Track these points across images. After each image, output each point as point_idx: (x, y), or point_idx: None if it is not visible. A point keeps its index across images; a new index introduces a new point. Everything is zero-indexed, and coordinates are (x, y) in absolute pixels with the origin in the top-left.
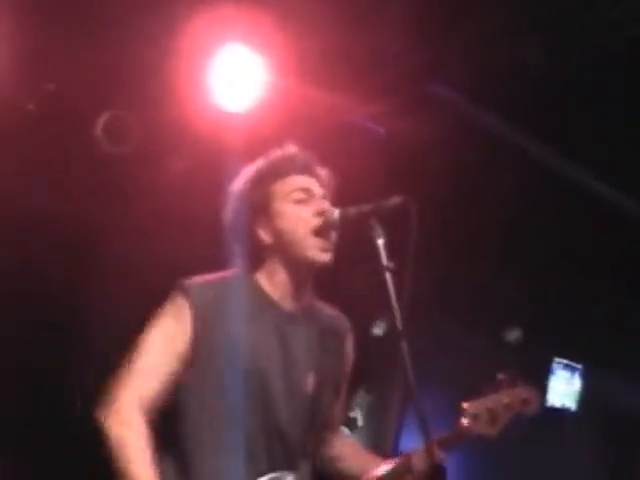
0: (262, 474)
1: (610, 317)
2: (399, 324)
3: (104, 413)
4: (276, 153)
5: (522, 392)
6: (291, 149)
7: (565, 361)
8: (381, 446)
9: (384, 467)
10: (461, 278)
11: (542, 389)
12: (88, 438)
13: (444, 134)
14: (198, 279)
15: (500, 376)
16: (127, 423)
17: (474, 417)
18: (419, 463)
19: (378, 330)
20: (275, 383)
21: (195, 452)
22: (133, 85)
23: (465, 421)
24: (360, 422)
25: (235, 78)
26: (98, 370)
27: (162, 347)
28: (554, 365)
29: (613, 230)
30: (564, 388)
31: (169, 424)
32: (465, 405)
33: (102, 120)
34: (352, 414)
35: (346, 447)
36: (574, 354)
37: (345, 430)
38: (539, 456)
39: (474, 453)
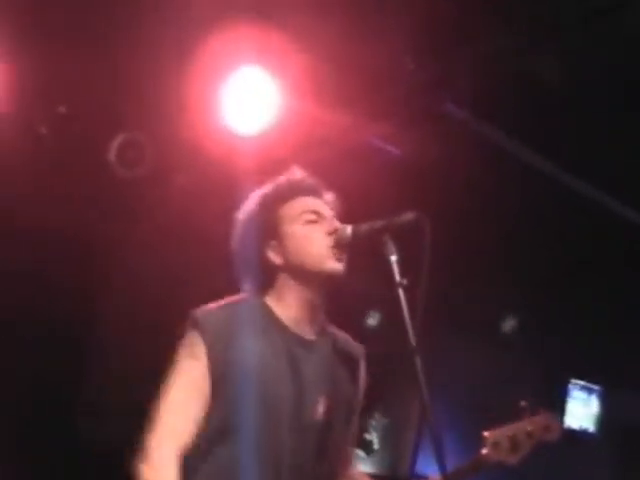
0: None
1: (626, 337)
2: (413, 340)
3: (140, 467)
4: (282, 177)
5: (543, 419)
6: (297, 173)
7: (582, 382)
8: (397, 469)
9: None
10: (471, 296)
11: (560, 411)
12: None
13: (453, 150)
14: (208, 308)
15: (522, 403)
16: (159, 475)
17: (495, 445)
18: None
19: (372, 320)
20: (285, 409)
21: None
22: (146, 108)
23: (485, 450)
24: (376, 445)
25: (248, 100)
26: (103, 383)
27: (186, 392)
28: (570, 387)
29: (626, 244)
30: (582, 410)
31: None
32: (486, 434)
33: (115, 144)
34: (368, 437)
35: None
36: (591, 375)
37: (361, 453)
38: (559, 478)
39: (489, 477)
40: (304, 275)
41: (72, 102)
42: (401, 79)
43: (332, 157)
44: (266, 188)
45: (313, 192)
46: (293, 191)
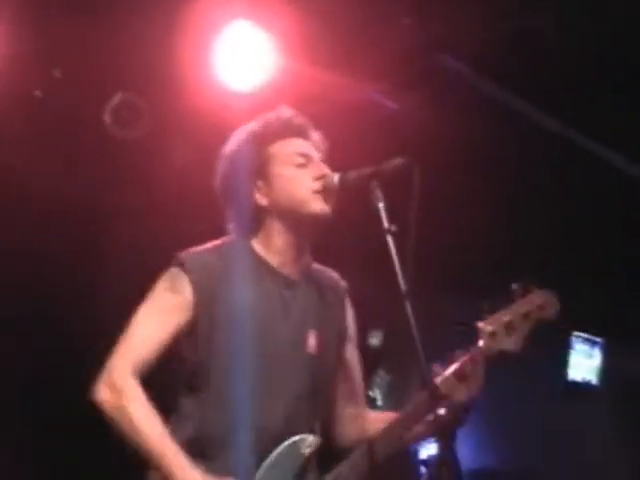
0: (276, 437)
1: (630, 290)
2: (403, 286)
3: (98, 385)
4: (271, 115)
5: (538, 298)
6: (286, 112)
7: (585, 335)
8: None
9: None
10: (471, 251)
11: (562, 364)
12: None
13: (452, 108)
14: (193, 250)
15: (513, 286)
16: (123, 391)
17: (492, 335)
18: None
19: (375, 341)
20: (279, 348)
21: (204, 419)
22: (140, 68)
23: (483, 342)
24: (379, 402)
25: (243, 56)
26: (104, 350)
27: (157, 317)
28: (573, 339)
29: (631, 201)
30: (584, 362)
31: (172, 395)
32: (480, 324)
33: (111, 106)
34: (371, 394)
35: (370, 421)
36: (594, 328)
37: None
38: (560, 430)
39: (491, 427)
40: (290, 217)
41: (66, 65)
42: (399, 36)
43: (328, 114)
44: (254, 125)
45: (302, 133)
46: (282, 130)
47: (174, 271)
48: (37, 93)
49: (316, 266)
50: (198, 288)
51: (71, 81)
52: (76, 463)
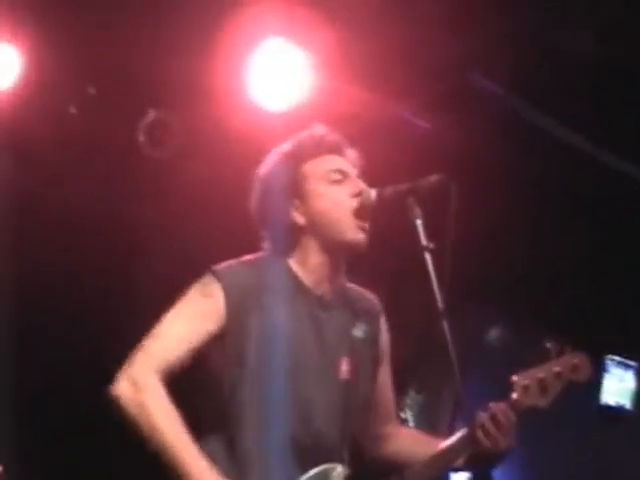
0: (305, 461)
1: None
2: (440, 304)
3: (119, 381)
4: (305, 133)
5: (571, 359)
6: (319, 129)
7: (618, 358)
8: None
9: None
10: (505, 269)
11: (596, 387)
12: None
13: (484, 126)
14: (228, 263)
15: (547, 344)
16: (143, 387)
17: (524, 389)
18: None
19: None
20: (309, 371)
21: (235, 436)
22: (173, 84)
23: (515, 395)
24: (411, 423)
25: (277, 76)
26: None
27: (187, 320)
28: (607, 363)
29: None
30: (618, 386)
31: (206, 410)
32: (514, 378)
33: (144, 124)
34: (402, 415)
35: (405, 435)
36: (628, 351)
37: None
38: (594, 455)
39: (525, 452)
40: (326, 239)
41: (101, 82)
42: (432, 54)
43: (360, 132)
44: (288, 145)
45: (337, 149)
46: (317, 148)
47: (207, 278)
48: (72, 110)
49: (351, 286)
50: (230, 298)
51: (105, 98)
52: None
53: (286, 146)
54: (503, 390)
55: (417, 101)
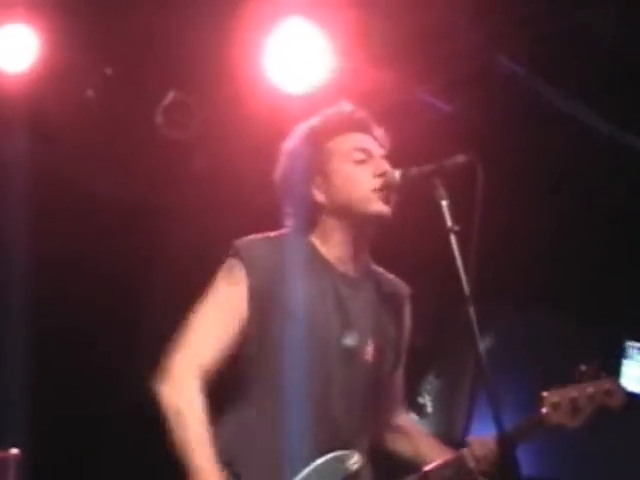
0: (323, 445)
1: None
2: (466, 289)
3: (159, 382)
4: (331, 110)
5: (605, 384)
6: (347, 106)
7: (639, 344)
8: (451, 433)
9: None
10: (527, 256)
11: (615, 374)
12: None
13: (507, 107)
14: (251, 239)
15: (582, 367)
16: (182, 392)
17: (554, 406)
18: (480, 449)
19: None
20: (333, 349)
21: (253, 417)
22: (193, 67)
23: (544, 410)
24: (429, 409)
25: (297, 57)
26: (153, 355)
27: (219, 314)
28: (627, 348)
29: None
30: (638, 372)
31: (225, 387)
32: (545, 394)
33: (163, 106)
34: (421, 400)
35: (410, 429)
36: None
37: (414, 417)
38: (613, 443)
39: (545, 442)
40: (349, 215)
41: (119, 64)
42: (454, 35)
43: (382, 114)
44: (314, 120)
45: (363, 127)
46: (342, 125)
47: (231, 262)
48: (90, 92)
49: (376, 268)
50: (253, 277)
51: (123, 79)
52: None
53: (312, 122)
54: (527, 380)
55: (438, 83)
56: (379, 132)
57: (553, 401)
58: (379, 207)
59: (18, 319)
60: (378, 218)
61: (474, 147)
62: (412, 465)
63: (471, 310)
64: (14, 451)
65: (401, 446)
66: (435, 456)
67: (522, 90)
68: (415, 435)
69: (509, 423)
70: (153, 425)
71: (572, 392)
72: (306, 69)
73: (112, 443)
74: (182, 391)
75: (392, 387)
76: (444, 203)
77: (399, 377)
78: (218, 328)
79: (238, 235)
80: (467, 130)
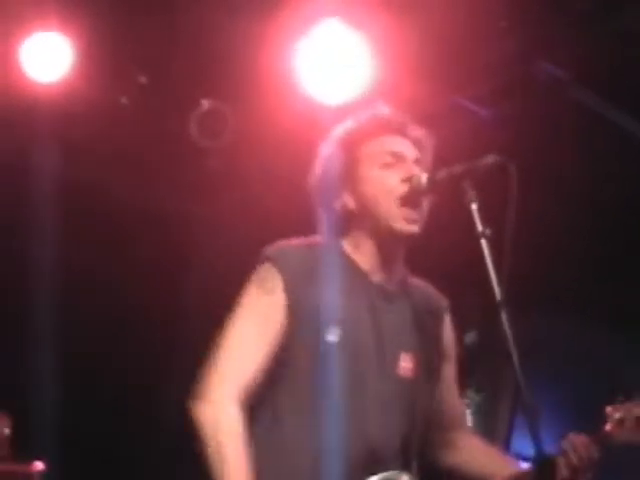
0: (361, 466)
1: None
2: (498, 295)
3: (198, 405)
4: (367, 113)
5: None
6: (382, 108)
7: None
8: None
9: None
10: (565, 265)
11: None
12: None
13: (548, 114)
14: (282, 245)
15: None
16: (222, 421)
17: (619, 422)
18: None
19: (468, 339)
20: (366, 364)
21: (284, 434)
22: (227, 76)
23: (609, 426)
24: (469, 423)
25: (333, 63)
26: (192, 364)
27: (256, 328)
28: None
29: None
30: None
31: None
32: (609, 409)
33: (196, 114)
34: None
35: (474, 447)
36: None
37: None
38: None
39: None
40: (375, 226)
41: (152, 72)
42: (493, 41)
43: (421, 122)
44: (349, 123)
45: (399, 130)
46: (376, 129)
47: (264, 268)
48: (123, 100)
49: (414, 280)
50: (288, 282)
51: (157, 88)
52: None
53: (347, 125)
54: (568, 392)
55: (479, 90)
56: (417, 133)
57: (618, 417)
58: (404, 227)
59: (45, 329)
60: (404, 237)
61: (514, 154)
62: None
63: (504, 316)
64: (38, 464)
65: (462, 463)
66: (503, 471)
67: (563, 96)
68: (480, 451)
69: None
70: (186, 442)
71: (638, 409)
72: (343, 78)
73: (141, 461)
74: (222, 420)
75: (443, 404)
76: (474, 206)
77: (450, 393)
78: (257, 345)
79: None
80: (507, 138)
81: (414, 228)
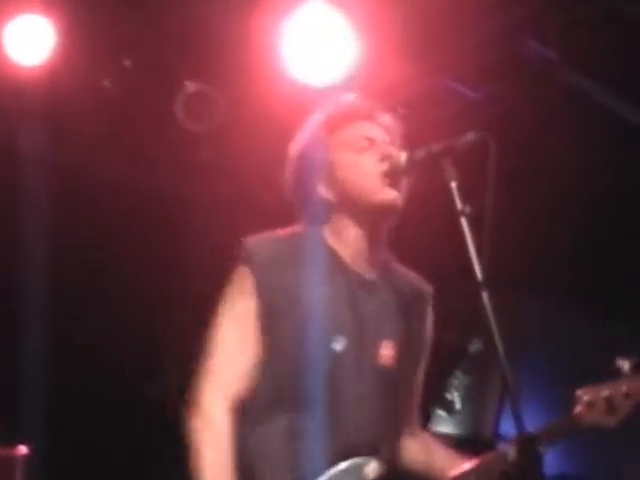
0: (338, 450)
1: None
2: (479, 274)
3: (191, 412)
4: (333, 102)
5: None
6: (349, 97)
7: None
8: (480, 430)
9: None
10: (553, 249)
11: None
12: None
13: (538, 94)
14: (261, 237)
15: (619, 362)
16: (209, 424)
17: (589, 405)
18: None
19: (473, 347)
20: (344, 354)
21: (266, 428)
22: (212, 58)
23: (579, 409)
24: (457, 405)
25: (318, 45)
26: (187, 349)
27: (238, 334)
28: None
29: None
30: None
31: None
32: (579, 392)
33: (182, 97)
34: (449, 396)
35: (426, 439)
36: None
37: (442, 413)
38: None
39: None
40: (358, 208)
41: (136, 54)
42: (481, 20)
43: (409, 102)
44: (317, 116)
45: (367, 116)
46: (346, 116)
47: (239, 272)
48: (107, 83)
49: (397, 267)
50: (260, 281)
51: (141, 70)
52: None
53: (315, 118)
54: (560, 377)
55: (466, 70)
56: (386, 118)
57: (588, 400)
58: (387, 195)
59: (35, 313)
60: (388, 206)
61: (502, 134)
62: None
63: (485, 297)
64: (22, 449)
65: (415, 456)
66: (450, 467)
67: (552, 76)
68: (430, 446)
69: (537, 421)
70: (175, 430)
71: (607, 390)
72: (328, 58)
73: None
74: (207, 430)
75: (409, 395)
76: (453, 184)
77: (417, 385)
78: (241, 351)
79: (258, 230)
80: (496, 117)
81: (398, 195)
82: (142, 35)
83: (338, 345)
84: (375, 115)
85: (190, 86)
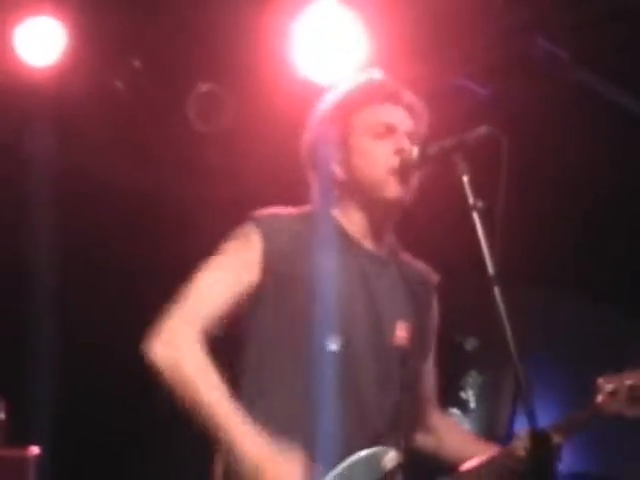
0: (352, 439)
1: None
2: (491, 269)
3: (153, 346)
4: (359, 80)
5: None
6: (375, 75)
7: None
8: (495, 428)
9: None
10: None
11: None
12: None
13: (547, 92)
14: (271, 209)
15: None
16: (179, 347)
17: (612, 394)
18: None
19: (469, 345)
20: (362, 331)
21: (264, 398)
22: (223, 58)
23: (601, 398)
24: (472, 404)
25: (328, 44)
26: None
27: (224, 272)
28: None
29: None
30: None
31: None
32: (601, 380)
33: (193, 98)
34: (463, 395)
35: (448, 424)
36: None
37: (456, 412)
38: None
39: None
40: (364, 197)
41: (147, 55)
42: (491, 18)
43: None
44: (341, 91)
45: (392, 97)
46: (369, 97)
47: (249, 226)
48: (118, 84)
49: (405, 255)
50: (270, 248)
51: (152, 71)
52: None
53: (338, 93)
54: (571, 373)
55: (477, 68)
56: (411, 100)
57: (610, 389)
58: (395, 192)
59: (43, 313)
60: (392, 203)
61: (513, 133)
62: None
63: (497, 292)
64: (34, 449)
65: (433, 445)
66: (472, 455)
67: (561, 74)
68: (450, 434)
69: (544, 418)
70: (182, 429)
71: (630, 379)
72: (338, 57)
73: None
74: (179, 344)
75: (422, 383)
76: (465, 179)
77: (429, 373)
78: (221, 293)
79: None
80: (506, 116)
81: (405, 193)
82: (152, 36)
83: (351, 319)
84: (400, 96)
85: (202, 86)
